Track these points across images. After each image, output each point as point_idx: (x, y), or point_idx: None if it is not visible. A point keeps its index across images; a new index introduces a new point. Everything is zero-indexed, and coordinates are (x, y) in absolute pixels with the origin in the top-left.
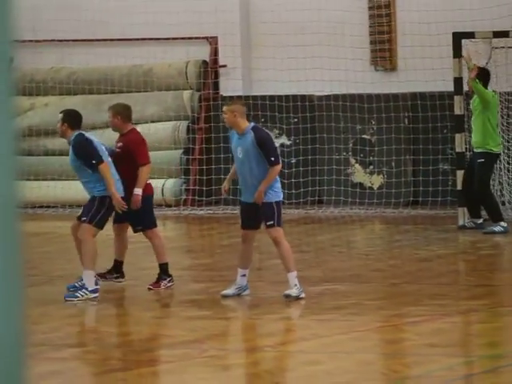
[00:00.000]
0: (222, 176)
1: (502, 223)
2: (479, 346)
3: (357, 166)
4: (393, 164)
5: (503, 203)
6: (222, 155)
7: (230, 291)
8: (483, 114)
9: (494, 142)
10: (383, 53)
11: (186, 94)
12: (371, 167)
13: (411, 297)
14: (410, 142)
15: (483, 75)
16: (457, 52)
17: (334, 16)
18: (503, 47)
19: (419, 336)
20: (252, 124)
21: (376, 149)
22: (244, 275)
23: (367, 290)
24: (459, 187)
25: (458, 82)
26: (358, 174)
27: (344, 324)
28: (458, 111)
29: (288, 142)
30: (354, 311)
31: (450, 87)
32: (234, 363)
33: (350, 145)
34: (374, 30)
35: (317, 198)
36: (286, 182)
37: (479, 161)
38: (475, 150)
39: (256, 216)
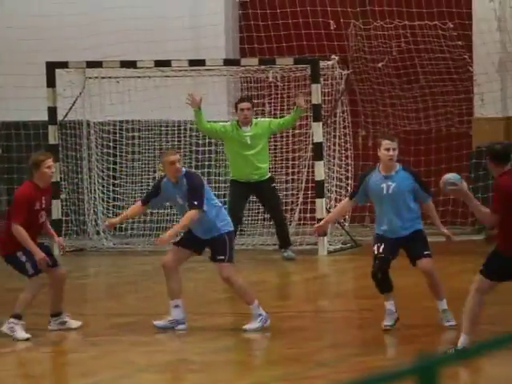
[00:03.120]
0: None
1: None
2: (72, 376)
3: None
4: None
5: (98, 232)
6: None
7: None
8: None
9: None
10: None
11: None
12: None
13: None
14: (4, 172)
15: None
16: (50, 81)
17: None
18: (97, 77)
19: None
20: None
21: None
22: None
23: None
24: None
25: (52, 111)
26: None
27: None
28: (52, 141)
29: None
30: None
31: (45, 117)
32: None
33: None
34: None
35: None
36: None
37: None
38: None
39: None
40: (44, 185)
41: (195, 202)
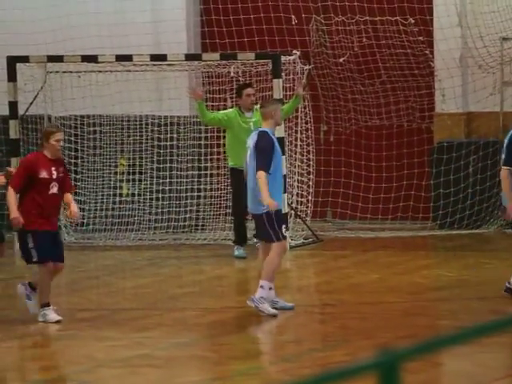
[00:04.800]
0: None
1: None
2: (33, 371)
3: None
4: None
5: None
6: None
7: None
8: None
9: None
10: None
11: None
12: None
13: None
14: None
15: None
16: (11, 76)
17: None
18: (58, 72)
19: None
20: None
21: None
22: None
23: None
24: None
25: (13, 105)
26: None
27: None
28: (13, 135)
29: None
30: None
31: (6, 111)
32: None
33: None
34: None
35: None
36: None
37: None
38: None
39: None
40: (52, 156)
41: None
